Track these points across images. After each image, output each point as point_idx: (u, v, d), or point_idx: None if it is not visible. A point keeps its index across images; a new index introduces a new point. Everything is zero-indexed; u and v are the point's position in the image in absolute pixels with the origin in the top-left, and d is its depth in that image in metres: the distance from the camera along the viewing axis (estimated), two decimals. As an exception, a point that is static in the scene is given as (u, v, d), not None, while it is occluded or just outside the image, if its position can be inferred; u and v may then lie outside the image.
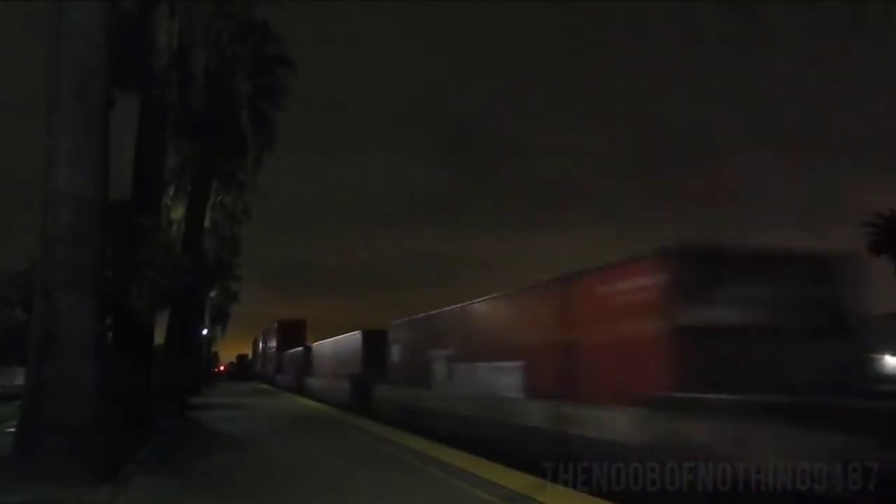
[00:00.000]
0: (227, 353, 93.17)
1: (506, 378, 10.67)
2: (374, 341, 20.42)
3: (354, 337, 22.89)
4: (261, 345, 61.43)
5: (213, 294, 38.58)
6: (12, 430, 8.12)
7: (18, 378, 20.33)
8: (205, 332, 39.32)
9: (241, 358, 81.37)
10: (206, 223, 23.32)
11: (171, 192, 21.78)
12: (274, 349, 49.68)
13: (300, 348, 37.29)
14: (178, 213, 22.02)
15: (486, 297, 12.36)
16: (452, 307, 13.81)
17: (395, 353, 17.46)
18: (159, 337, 17.83)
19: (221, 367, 76.97)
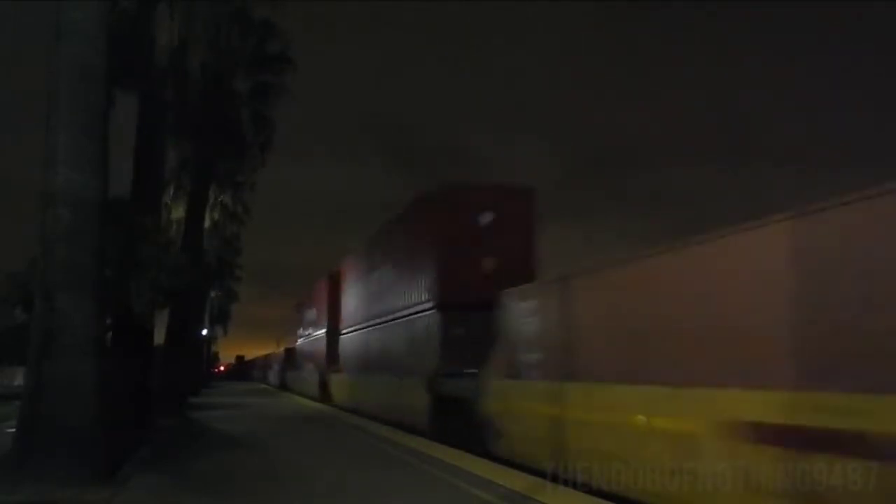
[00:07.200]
0: (228, 352, 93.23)
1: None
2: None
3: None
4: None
5: (213, 294, 38.62)
6: (12, 429, 8.11)
7: (18, 378, 20.35)
8: (205, 331, 39.35)
9: (239, 359, 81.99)
10: (207, 223, 23.33)
11: (171, 191, 21.76)
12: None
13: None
14: (178, 212, 22.00)
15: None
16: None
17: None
18: (159, 337, 17.84)
19: (221, 367, 77.29)
